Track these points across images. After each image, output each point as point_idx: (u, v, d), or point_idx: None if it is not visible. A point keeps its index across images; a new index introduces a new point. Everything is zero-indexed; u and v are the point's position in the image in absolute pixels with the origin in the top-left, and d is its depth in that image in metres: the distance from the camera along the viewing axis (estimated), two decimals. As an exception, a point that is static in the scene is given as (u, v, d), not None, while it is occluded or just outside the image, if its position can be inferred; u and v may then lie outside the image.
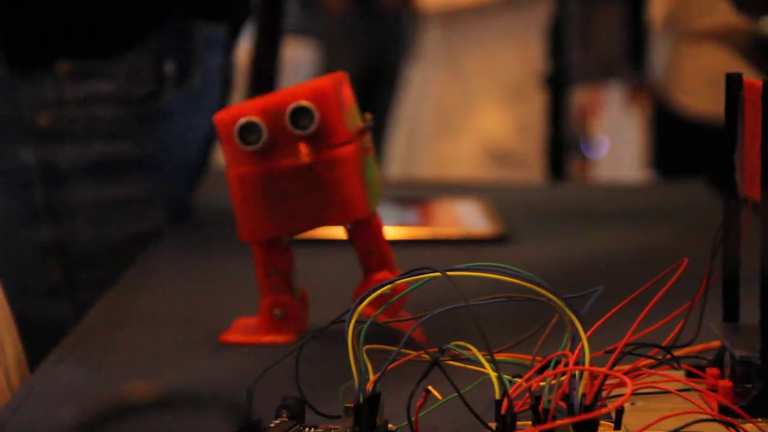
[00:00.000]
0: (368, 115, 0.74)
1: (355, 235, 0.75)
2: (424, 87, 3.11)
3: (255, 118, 0.72)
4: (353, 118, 0.74)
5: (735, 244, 0.63)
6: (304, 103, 0.72)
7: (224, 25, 1.17)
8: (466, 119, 3.05)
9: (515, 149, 3.02)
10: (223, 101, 1.20)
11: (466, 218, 1.19)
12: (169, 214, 1.15)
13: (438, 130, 3.07)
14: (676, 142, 3.31)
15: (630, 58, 2.17)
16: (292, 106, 0.72)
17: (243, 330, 0.76)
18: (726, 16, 2.94)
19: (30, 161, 1.06)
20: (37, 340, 0.96)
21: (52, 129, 1.07)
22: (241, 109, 0.73)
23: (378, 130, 3.54)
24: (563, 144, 2.24)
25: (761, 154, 0.56)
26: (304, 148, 0.72)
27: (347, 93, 0.74)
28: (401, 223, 1.16)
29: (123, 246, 1.10)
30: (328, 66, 4.00)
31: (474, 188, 1.54)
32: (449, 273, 0.56)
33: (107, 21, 1.07)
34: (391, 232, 1.11)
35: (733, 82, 0.62)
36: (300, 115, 0.72)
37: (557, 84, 2.20)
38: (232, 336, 0.75)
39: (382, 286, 0.58)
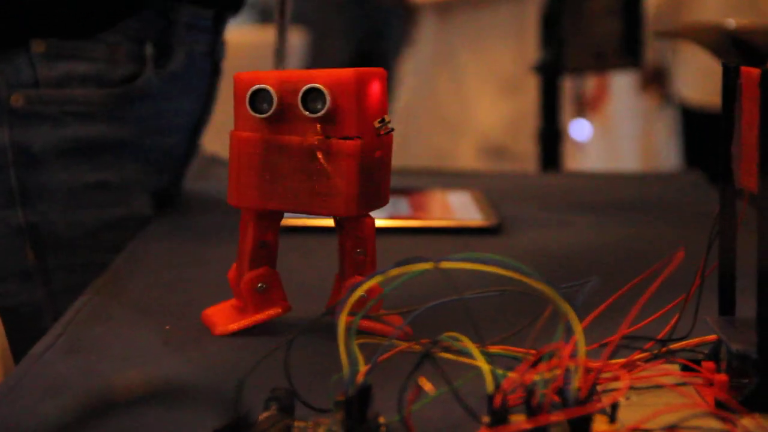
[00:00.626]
0: (386, 118, 0.73)
1: (342, 231, 0.74)
2: (420, 80, 3.11)
3: (270, 87, 0.72)
4: (376, 116, 0.73)
5: (731, 235, 0.62)
6: (320, 86, 0.71)
7: (210, 10, 1.15)
8: (461, 113, 3.05)
9: (510, 143, 3.02)
10: (210, 87, 1.19)
11: (459, 208, 1.18)
12: (154, 200, 1.14)
13: (433, 123, 3.07)
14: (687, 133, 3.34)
15: (626, 49, 2.16)
16: (306, 86, 0.71)
17: (228, 316, 0.75)
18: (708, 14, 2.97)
19: (4, 143, 1.05)
20: (11, 324, 0.96)
21: (27, 110, 1.06)
22: (261, 75, 0.73)
23: None
24: (556, 134, 2.23)
25: (759, 143, 0.55)
26: (311, 130, 0.72)
27: (377, 90, 0.73)
28: (393, 213, 1.16)
29: (100, 231, 1.09)
30: (317, 52, 4.00)
31: (467, 177, 1.53)
32: (442, 264, 0.55)
33: (84, 1, 1.06)
34: (382, 222, 1.11)
35: (730, 71, 0.61)
36: (312, 96, 0.71)
37: (550, 73, 2.19)
38: (230, 324, 0.74)
39: (371, 277, 0.57)
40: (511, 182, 1.49)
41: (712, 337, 0.63)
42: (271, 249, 0.75)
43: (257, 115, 0.72)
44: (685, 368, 0.61)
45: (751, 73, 0.59)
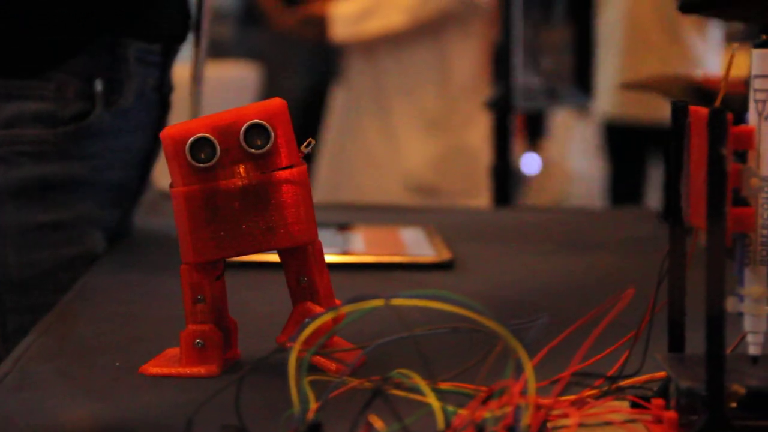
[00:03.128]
0: (312, 141, 0.73)
1: (287, 260, 0.74)
2: (347, 117, 3.13)
3: (208, 135, 0.71)
4: (298, 142, 0.73)
5: (680, 273, 0.62)
6: (261, 121, 0.71)
7: (158, 45, 1.15)
8: (387, 151, 3.06)
9: (437, 181, 3.03)
10: (160, 121, 1.19)
11: (412, 244, 1.19)
12: (105, 237, 1.13)
13: (360, 161, 3.08)
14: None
15: (576, 82, 2.18)
16: (247, 123, 0.71)
17: (166, 361, 0.74)
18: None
19: None
20: None
21: None
22: (190, 125, 0.72)
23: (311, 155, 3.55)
24: (508, 169, 2.25)
25: (706, 182, 0.56)
26: (251, 168, 0.71)
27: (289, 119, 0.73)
28: (347, 249, 1.16)
29: (54, 271, 1.08)
30: (271, 87, 4.00)
31: (420, 213, 1.53)
32: (393, 301, 0.55)
33: (32, 41, 1.05)
34: (335, 258, 1.11)
35: (679, 110, 0.62)
36: (255, 133, 0.71)
37: (502, 109, 2.20)
38: (153, 367, 0.73)
39: (323, 314, 0.57)
40: (464, 218, 1.49)
41: (662, 374, 0.64)
42: (211, 303, 0.73)
43: (201, 165, 0.71)
44: (634, 405, 0.62)
45: (699, 112, 0.59)
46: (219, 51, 5.06)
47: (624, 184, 3.53)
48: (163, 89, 1.18)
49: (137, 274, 1.05)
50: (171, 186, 0.73)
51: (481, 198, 2.87)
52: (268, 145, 0.71)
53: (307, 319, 0.71)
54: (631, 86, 2.82)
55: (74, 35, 1.07)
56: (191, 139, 0.71)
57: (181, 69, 1.27)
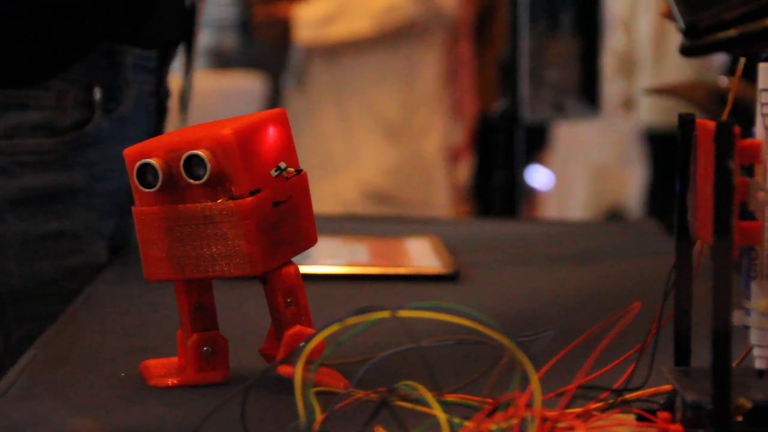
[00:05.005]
0: (281, 165, 0.72)
1: (266, 284, 0.73)
2: (308, 119, 3.12)
3: (153, 160, 0.71)
4: (274, 163, 0.72)
5: (687, 287, 0.62)
6: (198, 152, 0.70)
7: (155, 51, 1.15)
8: (345, 157, 3.06)
9: (394, 190, 3.03)
10: (157, 127, 1.18)
11: (418, 255, 1.19)
12: (108, 245, 1.13)
13: (319, 165, 3.08)
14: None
15: (584, 97, 2.18)
16: (186, 154, 0.71)
17: (168, 371, 0.74)
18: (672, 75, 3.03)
19: None
20: None
21: None
22: (148, 146, 0.72)
23: None
24: (514, 182, 2.25)
25: (713, 196, 0.56)
26: (207, 194, 0.71)
27: (274, 136, 0.72)
28: (352, 260, 1.16)
29: (57, 280, 1.07)
30: (274, 96, 4.00)
31: (426, 224, 1.53)
32: (399, 313, 0.55)
33: (31, 49, 1.05)
34: (340, 268, 1.11)
35: (686, 123, 0.62)
36: (193, 164, 0.71)
37: (509, 121, 2.20)
38: (165, 379, 0.73)
39: (332, 324, 0.57)
40: (469, 230, 1.49)
41: (668, 387, 0.64)
42: (208, 310, 0.74)
43: (145, 190, 0.72)
44: (640, 418, 0.62)
45: (706, 125, 0.59)
46: (224, 61, 5.07)
47: (665, 192, 3.51)
48: (160, 94, 1.18)
49: (142, 285, 1.05)
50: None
51: (438, 208, 2.86)
52: (206, 176, 0.70)
53: (302, 343, 0.71)
54: (655, 92, 2.81)
55: (73, 43, 1.07)
56: (137, 164, 0.72)
57: (197, 77, 1.27)
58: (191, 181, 0.71)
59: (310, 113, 3.09)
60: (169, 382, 0.73)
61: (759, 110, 0.59)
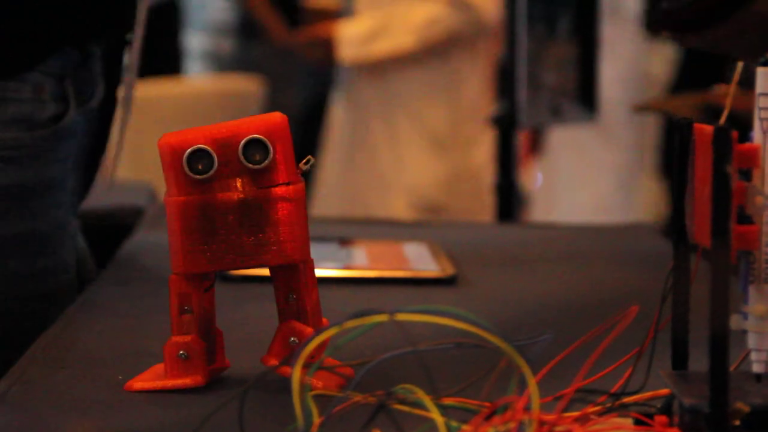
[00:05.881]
0: (311, 158, 0.73)
1: (277, 277, 0.73)
2: (358, 134, 3.13)
3: (207, 146, 0.71)
4: (297, 159, 0.73)
5: (684, 290, 0.62)
6: (260, 136, 0.71)
7: (104, 40, 1.13)
8: (394, 169, 3.07)
9: (442, 201, 3.04)
10: (123, 122, 1.17)
11: (415, 259, 1.19)
12: (74, 249, 1.12)
13: (369, 177, 3.09)
14: None
15: (581, 102, 2.18)
16: (246, 138, 0.71)
17: (151, 375, 0.74)
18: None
19: None
20: None
21: None
22: (188, 135, 0.71)
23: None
24: (511, 185, 2.24)
25: (711, 199, 0.56)
26: (248, 183, 0.71)
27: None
28: (350, 264, 1.16)
29: (28, 280, 1.06)
30: (271, 100, 4.01)
31: (423, 228, 1.53)
32: (397, 316, 0.55)
33: (7, 41, 1.05)
34: (338, 272, 1.11)
35: (684, 127, 0.62)
36: (253, 148, 0.71)
37: (506, 126, 2.20)
38: (138, 382, 0.73)
39: (329, 327, 0.57)
40: (467, 233, 1.49)
41: (665, 391, 0.64)
42: (198, 315, 0.73)
43: (197, 177, 0.71)
44: (638, 422, 0.62)
45: (704, 129, 0.59)
46: (221, 65, 5.07)
47: None
48: (127, 89, 1.16)
49: (141, 288, 1.05)
50: (166, 195, 0.73)
51: (486, 217, 2.86)
52: (267, 161, 0.71)
53: (294, 339, 0.71)
54: (640, 110, 2.81)
55: (50, 34, 1.06)
56: (189, 149, 0.71)
57: (195, 83, 1.26)
58: (249, 165, 0.70)
59: (358, 128, 3.11)
60: (139, 386, 0.73)
61: (757, 114, 0.59)
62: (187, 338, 0.73)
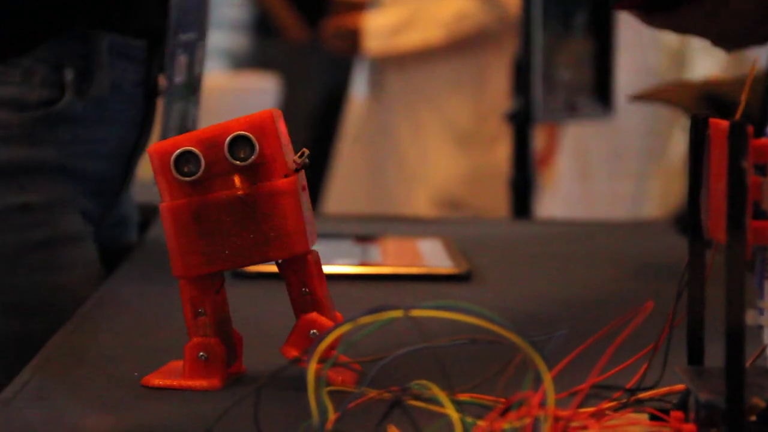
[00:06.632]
0: (306, 151, 0.73)
1: (287, 272, 0.73)
2: (383, 129, 3.13)
3: (192, 148, 0.71)
4: (290, 153, 0.73)
5: (700, 286, 0.62)
6: (245, 132, 0.71)
7: (142, 41, 1.15)
8: (418, 164, 3.07)
9: (465, 197, 3.04)
10: (146, 118, 1.18)
11: (430, 255, 1.19)
12: (91, 222, 1.13)
13: (393, 172, 3.09)
14: None
15: (597, 98, 2.18)
16: (231, 135, 0.71)
17: (169, 373, 0.74)
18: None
19: None
20: None
21: None
22: (176, 140, 0.72)
23: (325, 165, 3.56)
24: (527, 181, 2.24)
25: (727, 195, 0.56)
26: (240, 180, 0.71)
27: (283, 128, 0.73)
28: (364, 260, 1.16)
29: (22, 252, 1.08)
30: (287, 97, 4.01)
31: (438, 224, 1.53)
32: (412, 312, 0.55)
33: None
34: (353, 269, 1.11)
35: (699, 122, 0.62)
36: (239, 145, 0.71)
37: (522, 122, 2.20)
38: (156, 379, 0.73)
39: (343, 324, 0.57)
40: (482, 230, 1.49)
41: (681, 386, 0.64)
42: (212, 315, 0.73)
43: (186, 179, 0.71)
44: (653, 417, 0.62)
45: (719, 124, 0.59)
46: (238, 62, 5.08)
47: None
48: (148, 86, 1.17)
49: (156, 285, 1.06)
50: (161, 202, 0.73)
51: (506, 214, 2.86)
52: (253, 157, 0.71)
53: (314, 332, 0.71)
54: (639, 99, 2.80)
55: (41, 23, 1.08)
56: (175, 153, 0.71)
57: (212, 78, 1.26)
58: (237, 163, 0.71)
59: (383, 122, 3.10)
60: (156, 382, 0.73)
61: (772, 109, 0.58)
62: (210, 340, 0.73)
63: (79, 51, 1.09)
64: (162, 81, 1.16)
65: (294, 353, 0.71)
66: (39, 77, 1.07)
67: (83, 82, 1.10)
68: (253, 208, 0.71)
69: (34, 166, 1.08)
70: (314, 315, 0.73)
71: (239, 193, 0.71)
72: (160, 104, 1.17)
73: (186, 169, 0.71)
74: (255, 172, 0.71)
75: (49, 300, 1.07)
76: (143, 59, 1.16)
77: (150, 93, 1.18)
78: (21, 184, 1.07)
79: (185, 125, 1.15)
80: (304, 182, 0.74)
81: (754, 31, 1.05)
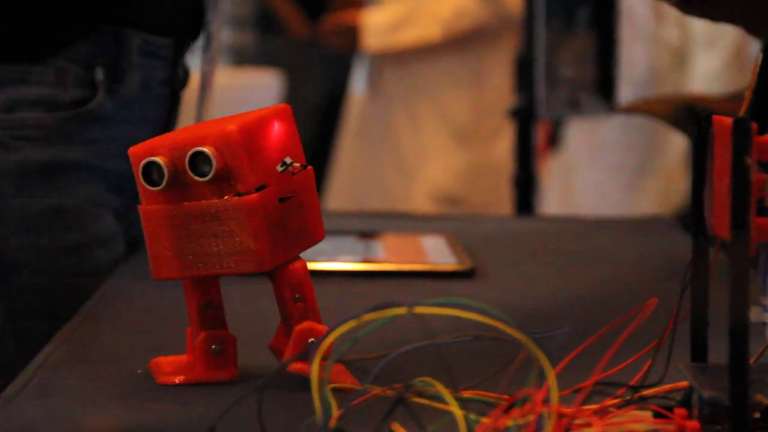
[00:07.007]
0: (287, 160, 0.72)
1: (274, 281, 0.73)
2: (381, 125, 3.13)
3: (158, 159, 0.71)
4: (280, 158, 0.72)
5: (703, 283, 0.62)
6: (203, 149, 0.70)
7: (169, 39, 1.15)
8: (416, 160, 3.07)
9: (463, 193, 3.04)
10: (169, 116, 1.19)
11: (434, 252, 1.19)
12: (119, 220, 1.13)
13: (391, 168, 3.09)
14: None
15: (600, 94, 2.18)
16: (191, 151, 0.70)
17: (177, 369, 0.74)
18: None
19: None
20: None
21: None
22: (154, 143, 0.72)
23: (326, 161, 3.56)
24: (530, 178, 2.24)
25: (730, 191, 0.56)
26: (211, 191, 0.71)
27: (279, 131, 0.72)
28: (367, 257, 1.16)
29: (57, 254, 1.08)
30: (289, 93, 4.01)
31: (441, 221, 1.53)
32: (416, 309, 0.55)
33: (29, 27, 1.07)
34: (356, 265, 1.11)
35: (702, 120, 0.62)
36: (198, 161, 0.70)
37: (524, 118, 2.20)
38: (170, 377, 0.73)
39: (348, 320, 0.57)
40: (485, 226, 1.49)
41: (685, 383, 0.64)
42: (216, 308, 0.74)
43: (151, 189, 0.71)
44: (657, 415, 0.62)
45: (723, 122, 0.59)
46: (241, 58, 5.07)
47: None
48: (174, 84, 1.18)
49: (159, 282, 1.05)
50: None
51: (505, 210, 2.86)
52: (211, 174, 0.70)
53: (313, 340, 0.71)
54: (624, 111, 2.80)
55: (73, 23, 1.08)
56: (142, 162, 0.71)
57: (194, 77, 1.26)
58: (197, 178, 0.70)
59: (382, 118, 3.10)
60: (176, 380, 0.73)
61: (776, 106, 0.58)
62: (222, 332, 0.73)
63: (110, 50, 1.10)
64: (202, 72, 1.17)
65: (297, 365, 0.71)
66: (71, 77, 1.08)
67: (114, 82, 1.10)
68: (220, 220, 0.71)
69: (67, 166, 1.08)
70: (309, 324, 0.72)
71: (205, 204, 0.71)
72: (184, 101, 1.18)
73: (153, 179, 0.71)
74: (227, 184, 0.71)
75: (80, 303, 1.07)
76: (170, 57, 1.16)
77: (174, 91, 1.19)
78: (56, 185, 1.08)
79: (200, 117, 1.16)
80: (305, 185, 0.73)
81: None
